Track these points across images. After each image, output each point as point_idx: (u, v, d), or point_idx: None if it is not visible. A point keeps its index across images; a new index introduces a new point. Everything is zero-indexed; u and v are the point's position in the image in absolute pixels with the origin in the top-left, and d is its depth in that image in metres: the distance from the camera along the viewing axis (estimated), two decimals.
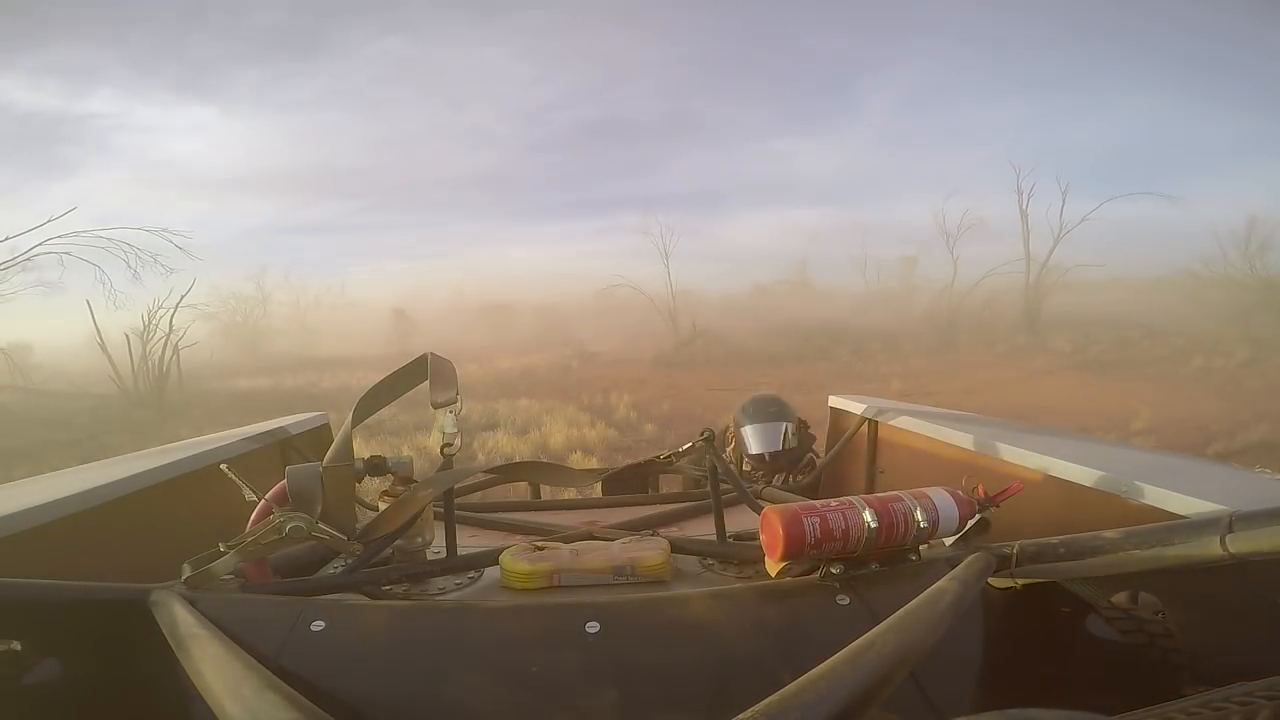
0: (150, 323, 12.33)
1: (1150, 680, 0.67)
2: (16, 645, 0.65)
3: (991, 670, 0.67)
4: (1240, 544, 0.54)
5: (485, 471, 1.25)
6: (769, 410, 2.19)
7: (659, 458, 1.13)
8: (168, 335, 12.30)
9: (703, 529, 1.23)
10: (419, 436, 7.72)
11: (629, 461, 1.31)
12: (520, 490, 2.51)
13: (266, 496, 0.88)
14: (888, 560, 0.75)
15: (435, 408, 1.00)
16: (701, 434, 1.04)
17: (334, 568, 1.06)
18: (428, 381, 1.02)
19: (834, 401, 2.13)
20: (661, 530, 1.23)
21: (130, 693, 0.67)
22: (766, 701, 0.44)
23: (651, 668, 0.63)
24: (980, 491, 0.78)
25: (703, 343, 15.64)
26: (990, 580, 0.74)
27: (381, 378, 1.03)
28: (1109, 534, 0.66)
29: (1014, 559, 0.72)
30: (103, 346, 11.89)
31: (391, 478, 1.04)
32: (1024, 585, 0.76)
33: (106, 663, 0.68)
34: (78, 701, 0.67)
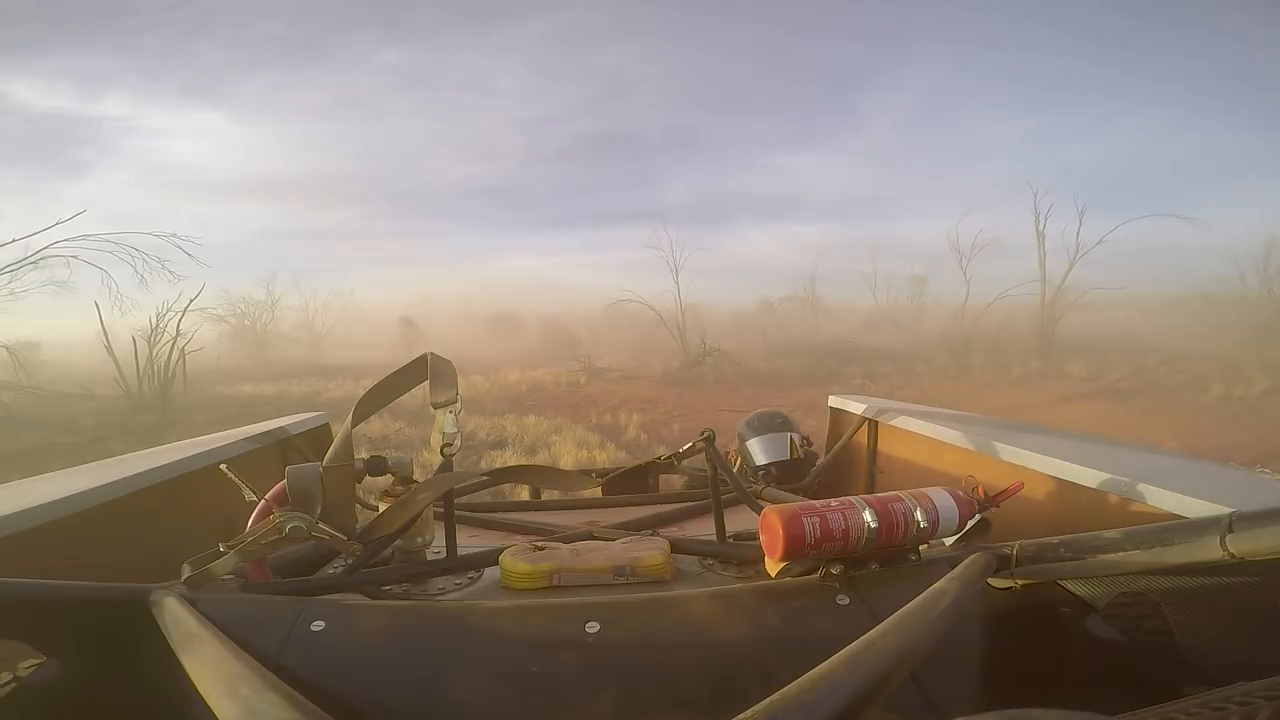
0: (158, 326, 12.30)
1: (1150, 680, 0.66)
2: (17, 645, 0.66)
3: (991, 670, 0.67)
4: (1240, 544, 0.54)
5: (485, 474, 1.23)
6: (774, 422, 2.20)
7: (659, 458, 1.13)
8: (174, 339, 12.25)
9: (703, 529, 1.24)
10: (426, 455, 7.59)
11: (631, 464, 1.31)
12: (520, 490, 2.50)
13: (266, 496, 0.88)
14: (888, 560, 0.76)
15: (435, 408, 1.00)
16: (701, 434, 1.04)
17: (334, 568, 1.06)
18: (427, 382, 1.02)
19: (834, 401, 2.14)
20: (661, 530, 1.24)
21: (130, 693, 0.66)
22: (767, 701, 0.44)
23: (651, 668, 0.63)
24: (980, 491, 0.78)
25: (712, 361, 15.47)
26: (990, 580, 0.75)
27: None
28: (1109, 534, 0.66)
29: (1014, 559, 0.72)
30: (109, 349, 11.85)
31: (391, 478, 1.04)
32: (1024, 585, 0.75)
33: (106, 663, 0.68)
34: (78, 701, 0.67)
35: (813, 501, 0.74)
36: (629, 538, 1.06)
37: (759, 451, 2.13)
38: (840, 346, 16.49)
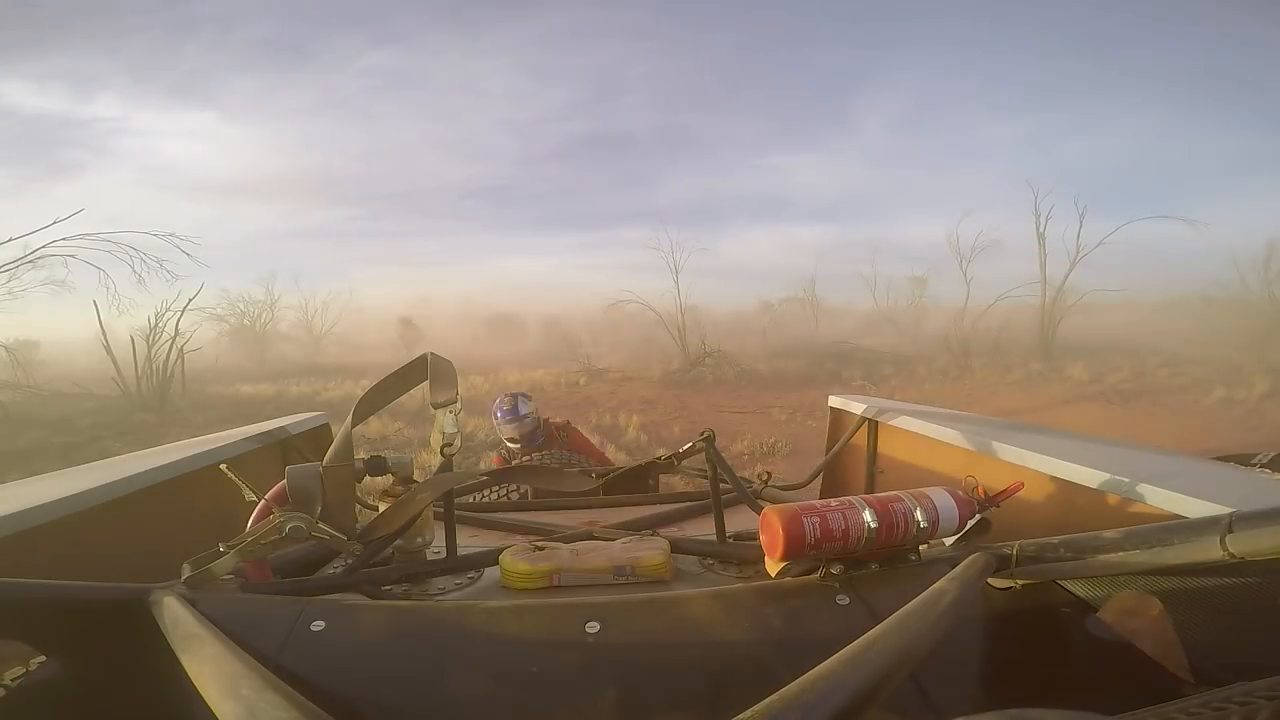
0: (156, 325, 12.28)
1: (1150, 680, 0.66)
2: (17, 645, 0.65)
3: (991, 670, 0.67)
4: (1240, 544, 0.54)
5: (485, 474, 1.24)
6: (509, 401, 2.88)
7: (659, 458, 1.13)
8: (173, 338, 12.22)
9: (703, 529, 1.23)
10: (426, 455, 7.57)
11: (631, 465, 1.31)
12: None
13: (266, 496, 0.88)
14: (888, 560, 0.75)
15: (435, 408, 1.00)
16: (701, 434, 1.04)
17: (334, 568, 1.06)
18: (427, 382, 1.02)
19: (834, 401, 2.14)
20: (661, 530, 1.24)
21: (130, 692, 0.66)
22: (766, 701, 0.44)
23: (651, 668, 0.63)
24: (980, 491, 0.78)
25: (712, 362, 15.45)
26: (990, 580, 0.75)
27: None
28: (1109, 534, 0.66)
29: (1014, 559, 0.72)
30: (107, 348, 11.82)
31: (391, 478, 1.04)
32: (1024, 585, 0.75)
33: (106, 663, 0.68)
34: (78, 701, 0.67)
35: (813, 501, 0.74)
36: (629, 538, 1.06)
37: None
38: (840, 348, 16.46)
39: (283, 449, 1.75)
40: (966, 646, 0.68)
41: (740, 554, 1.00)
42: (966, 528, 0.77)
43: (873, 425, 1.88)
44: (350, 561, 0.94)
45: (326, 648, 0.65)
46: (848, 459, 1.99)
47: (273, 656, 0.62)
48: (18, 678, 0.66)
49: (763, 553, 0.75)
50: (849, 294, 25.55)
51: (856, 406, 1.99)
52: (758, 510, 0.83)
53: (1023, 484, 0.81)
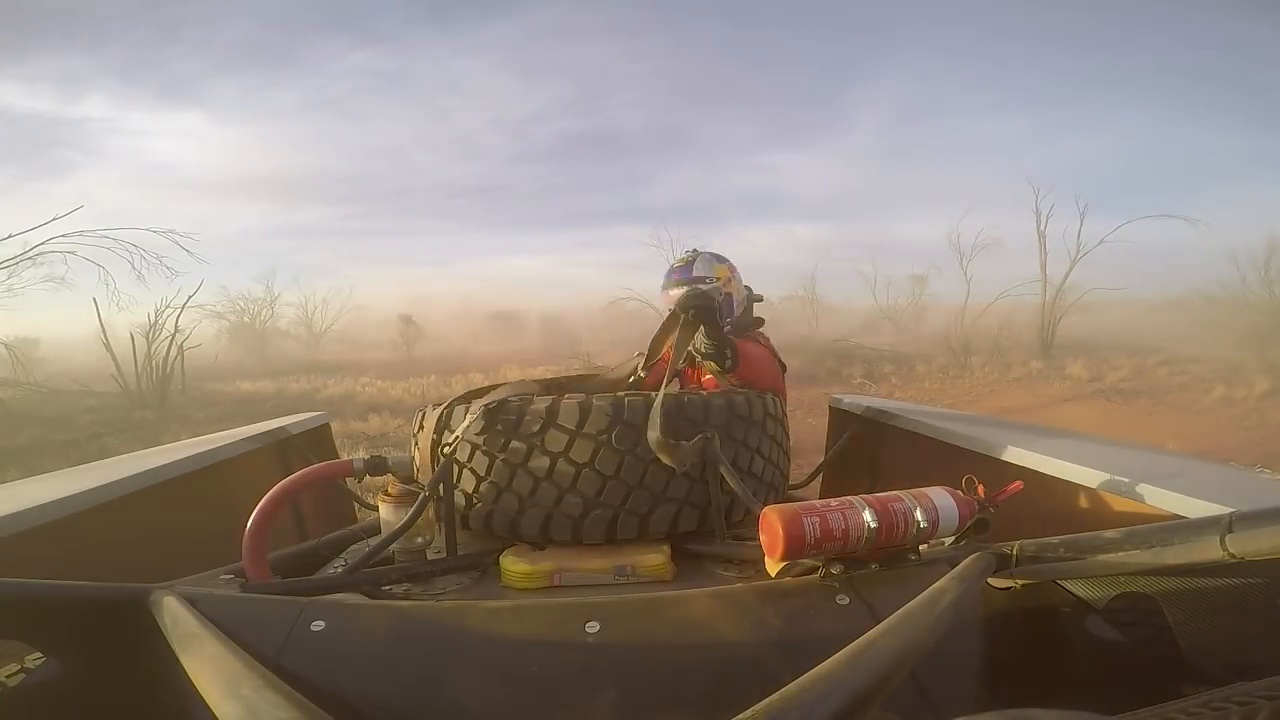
0: (156, 322, 12.27)
1: (1150, 680, 0.66)
2: (17, 645, 0.66)
3: (991, 670, 0.67)
4: (1240, 544, 0.54)
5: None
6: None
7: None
8: (173, 335, 12.21)
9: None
10: None
11: None
12: None
13: (267, 496, 0.88)
14: (888, 560, 0.75)
15: (455, 405, 1.01)
16: (702, 434, 1.03)
17: (334, 568, 1.06)
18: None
19: (834, 401, 2.14)
20: None
21: (130, 692, 0.66)
22: (767, 701, 0.44)
23: (651, 668, 0.63)
24: (980, 491, 0.78)
25: None
26: (990, 580, 0.75)
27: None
28: (1109, 534, 0.66)
29: (1014, 559, 0.72)
30: (107, 345, 11.80)
31: (391, 478, 1.04)
32: (1024, 585, 0.75)
33: (106, 663, 0.68)
34: (78, 701, 0.67)
35: (813, 501, 0.74)
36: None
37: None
38: (840, 346, 16.44)
39: (283, 449, 1.75)
40: (966, 646, 0.68)
41: (740, 554, 1.00)
42: (966, 528, 0.77)
43: (873, 425, 1.88)
44: (350, 561, 0.94)
45: (326, 648, 0.66)
46: (848, 458, 1.99)
47: (273, 656, 0.63)
48: (14, 675, 0.66)
49: (763, 553, 0.75)
50: (849, 292, 25.58)
51: (856, 406, 1.99)
52: (758, 510, 0.83)
53: (1022, 484, 0.81)
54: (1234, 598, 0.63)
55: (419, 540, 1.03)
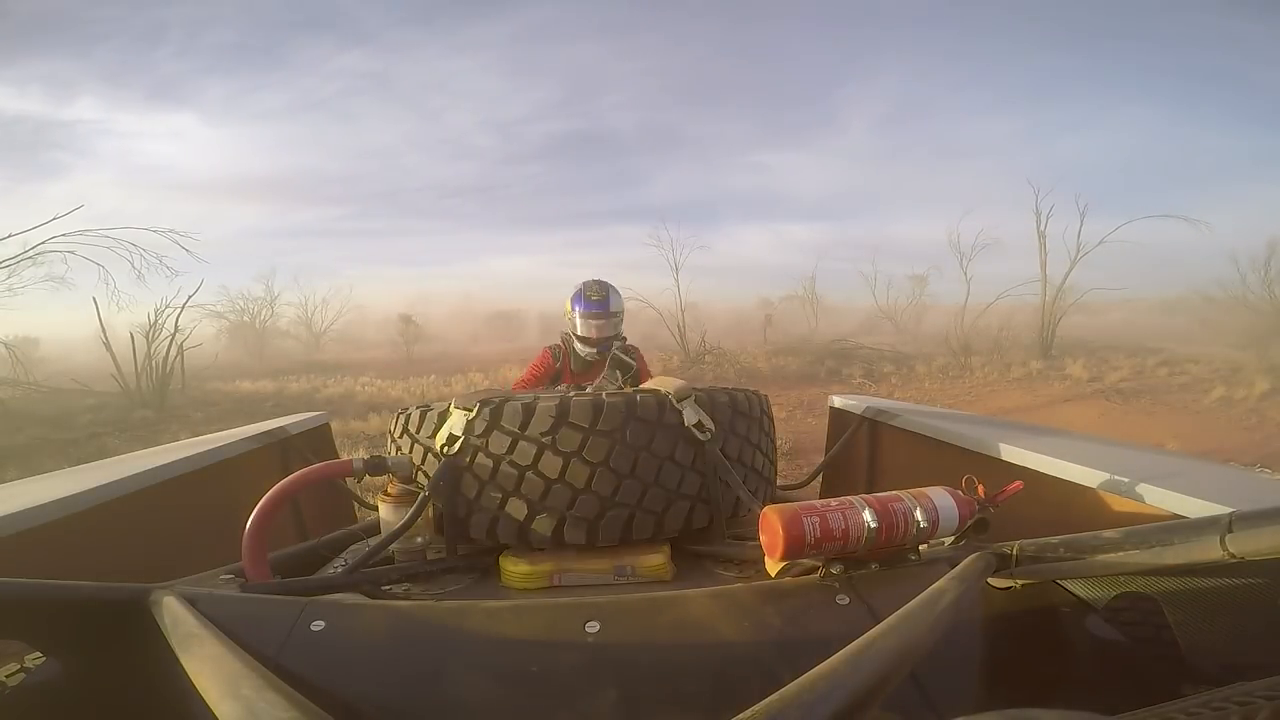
0: (156, 322, 12.26)
1: (1150, 680, 0.66)
2: (17, 645, 0.66)
3: (991, 670, 0.67)
4: (1240, 544, 0.54)
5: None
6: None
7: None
8: (172, 335, 12.20)
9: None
10: None
11: None
12: None
13: (267, 496, 0.88)
14: (888, 560, 0.75)
15: (455, 408, 1.01)
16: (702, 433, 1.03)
17: (334, 568, 1.06)
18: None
19: (834, 401, 2.14)
20: None
21: (130, 692, 0.66)
22: (766, 701, 0.44)
23: (651, 668, 0.63)
24: (980, 491, 0.78)
25: (712, 359, 15.41)
26: (990, 580, 0.75)
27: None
28: (1109, 534, 0.65)
29: (1014, 559, 0.72)
30: (107, 345, 11.79)
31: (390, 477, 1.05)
32: (1024, 585, 0.75)
33: (106, 663, 0.68)
34: (78, 701, 0.67)
35: (813, 501, 0.74)
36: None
37: None
38: (840, 346, 16.43)
39: (283, 449, 1.75)
40: (966, 646, 0.68)
41: (740, 554, 1.00)
42: (966, 528, 0.77)
43: (873, 425, 1.88)
44: (350, 561, 0.94)
45: (326, 648, 0.65)
46: (848, 458, 1.99)
47: (273, 656, 0.63)
48: (14, 675, 0.66)
49: (763, 553, 0.75)
50: (849, 292, 25.61)
51: (856, 406, 1.99)
52: (758, 510, 0.83)
53: (1022, 484, 0.81)
54: (1234, 598, 0.63)
55: (419, 540, 1.03)
